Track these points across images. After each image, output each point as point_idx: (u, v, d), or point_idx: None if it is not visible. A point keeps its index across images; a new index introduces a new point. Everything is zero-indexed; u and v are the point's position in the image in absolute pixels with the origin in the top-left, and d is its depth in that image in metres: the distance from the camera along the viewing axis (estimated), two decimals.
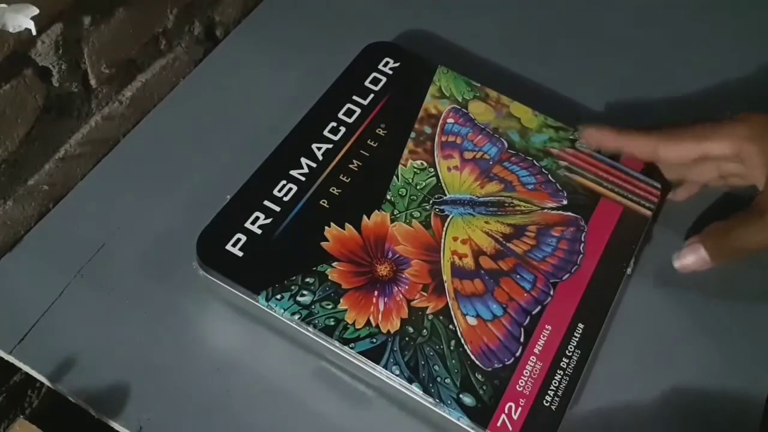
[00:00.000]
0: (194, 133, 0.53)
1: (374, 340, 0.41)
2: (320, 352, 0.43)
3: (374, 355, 0.41)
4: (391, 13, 0.61)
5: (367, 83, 0.52)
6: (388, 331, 0.42)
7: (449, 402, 0.40)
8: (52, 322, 0.44)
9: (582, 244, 0.47)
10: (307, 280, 0.43)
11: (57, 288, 0.46)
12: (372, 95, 0.52)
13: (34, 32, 0.40)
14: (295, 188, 0.47)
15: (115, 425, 0.42)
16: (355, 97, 0.51)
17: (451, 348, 0.41)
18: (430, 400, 0.40)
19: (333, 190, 0.47)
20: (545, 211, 0.48)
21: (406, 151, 0.49)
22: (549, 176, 0.49)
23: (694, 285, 0.47)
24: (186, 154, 0.52)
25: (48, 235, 0.48)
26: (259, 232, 0.45)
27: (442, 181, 0.48)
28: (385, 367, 0.41)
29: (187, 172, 0.51)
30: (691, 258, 0.45)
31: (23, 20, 0.40)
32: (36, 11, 0.40)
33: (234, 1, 0.60)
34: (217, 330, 0.45)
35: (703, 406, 0.44)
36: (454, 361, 0.41)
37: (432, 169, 0.49)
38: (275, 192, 0.46)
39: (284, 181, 0.47)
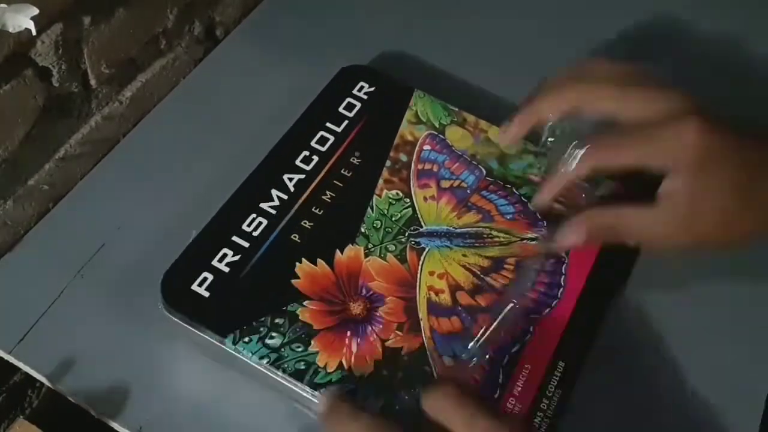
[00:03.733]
0: (194, 133, 0.53)
1: (347, 385, 0.40)
2: (292, 396, 0.41)
3: None
4: (390, 14, 0.61)
5: (341, 109, 0.50)
6: (362, 375, 0.40)
7: None
8: (52, 322, 0.44)
9: (562, 277, 0.45)
10: (277, 321, 0.41)
11: (57, 288, 0.46)
12: (346, 122, 0.50)
13: (34, 32, 0.40)
14: (265, 222, 0.45)
15: (115, 425, 0.42)
16: (328, 125, 0.49)
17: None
18: None
19: (305, 223, 0.45)
20: (524, 242, 0.46)
21: (381, 181, 0.47)
22: (528, 205, 0.48)
23: (694, 284, 0.47)
24: (186, 153, 0.52)
25: (48, 235, 0.48)
26: (226, 270, 0.43)
27: (418, 212, 0.46)
28: None
29: (187, 172, 0.51)
30: (573, 240, 0.42)
31: (23, 20, 0.40)
32: (36, 11, 0.40)
33: (234, 1, 0.60)
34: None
35: (703, 406, 0.44)
36: None
37: (408, 200, 0.47)
38: (244, 227, 0.44)
39: (254, 215, 0.45)
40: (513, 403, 0.40)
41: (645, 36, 0.60)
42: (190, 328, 0.42)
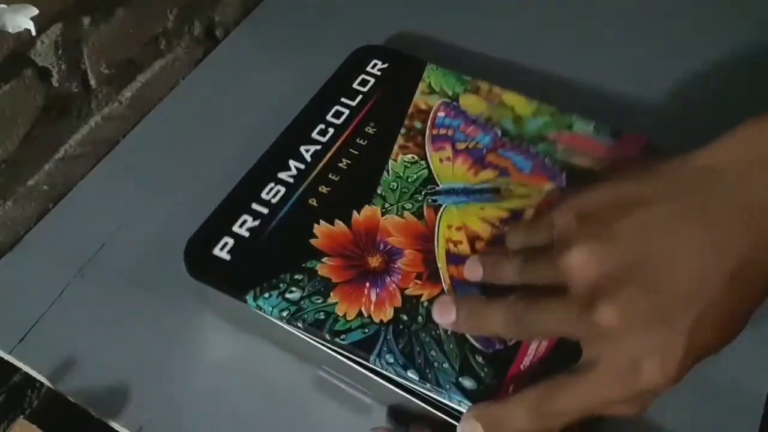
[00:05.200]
0: (194, 133, 0.53)
1: (366, 331, 0.40)
2: (318, 361, 0.43)
3: (366, 345, 0.40)
4: (390, 13, 0.61)
5: (355, 85, 0.52)
6: (381, 321, 0.41)
7: (448, 387, 0.38)
8: (52, 322, 0.44)
9: None
10: (296, 277, 0.42)
11: (57, 288, 0.46)
12: (360, 96, 0.51)
13: (33, 32, 0.40)
14: (283, 190, 0.46)
15: (115, 425, 0.42)
16: (343, 99, 0.51)
17: (448, 333, 0.40)
18: (428, 386, 0.39)
19: (322, 188, 0.46)
20: (543, 194, 0.46)
21: (396, 147, 0.48)
22: (546, 160, 0.48)
23: None
24: (186, 154, 0.52)
25: (48, 235, 0.48)
26: (246, 234, 0.44)
27: (434, 172, 0.47)
28: (378, 356, 0.39)
29: (187, 172, 0.51)
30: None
31: (23, 20, 0.40)
32: (35, 11, 0.40)
33: (234, 2, 0.60)
34: (216, 334, 0.45)
35: (703, 406, 0.44)
36: (452, 346, 0.40)
37: (423, 162, 0.48)
38: (263, 195, 0.45)
39: (272, 184, 0.46)
40: (537, 341, 0.39)
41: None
42: (214, 291, 0.43)
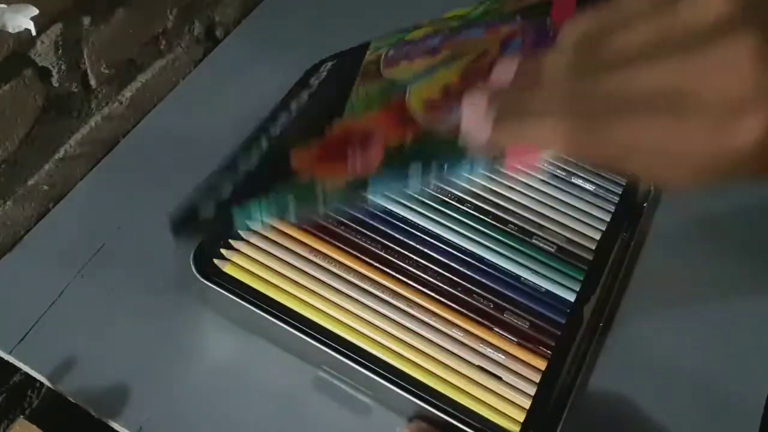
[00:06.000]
0: (194, 133, 0.53)
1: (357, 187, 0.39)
2: (318, 361, 0.43)
3: (359, 195, 0.39)
4: (390, 12, 0.61)
5: (311, 81, 0.53)
6: (368, 176, 0.40)
7: (448, 167, 0.37)
8: (52, 322, 0.45)
9: (551, 30, 0.43)
10: (281, 187, 0.42)
11: (57, 288, 0.46)
12: (317, 83, 0.52)
13: (33, 32, 0.40)
14: (256, 154, 0.46)
15: (114, 425, 0.42)
16: (302, 93, 0.52)
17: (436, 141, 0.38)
18: (432, 180, 0.38)
19: (293, 135, 0.46)
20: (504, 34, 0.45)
21: (354, 87, 0.48)
22: (497, 18, 0.47)
23: (694, 285, 0.47)
24: (186, 153, 0.52)
25: (48, 235, 0.48)
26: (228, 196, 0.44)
27: (395, 78, 0.47)
28: (373, 192, 0.39)
29: (187, 172, 0.51)
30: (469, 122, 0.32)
31: (23, 20, 0.40)
32: (36, 11, 0.40)
33: (234, 2, 0.60)
34: (216, 335, 0.45)
35: (704, 406, 0.44)
36: (444, 146, 0.38)
37: (381, 80, 0.47)
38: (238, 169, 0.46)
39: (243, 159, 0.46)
40: None
41: None
42: (213, 290, 0.43)
